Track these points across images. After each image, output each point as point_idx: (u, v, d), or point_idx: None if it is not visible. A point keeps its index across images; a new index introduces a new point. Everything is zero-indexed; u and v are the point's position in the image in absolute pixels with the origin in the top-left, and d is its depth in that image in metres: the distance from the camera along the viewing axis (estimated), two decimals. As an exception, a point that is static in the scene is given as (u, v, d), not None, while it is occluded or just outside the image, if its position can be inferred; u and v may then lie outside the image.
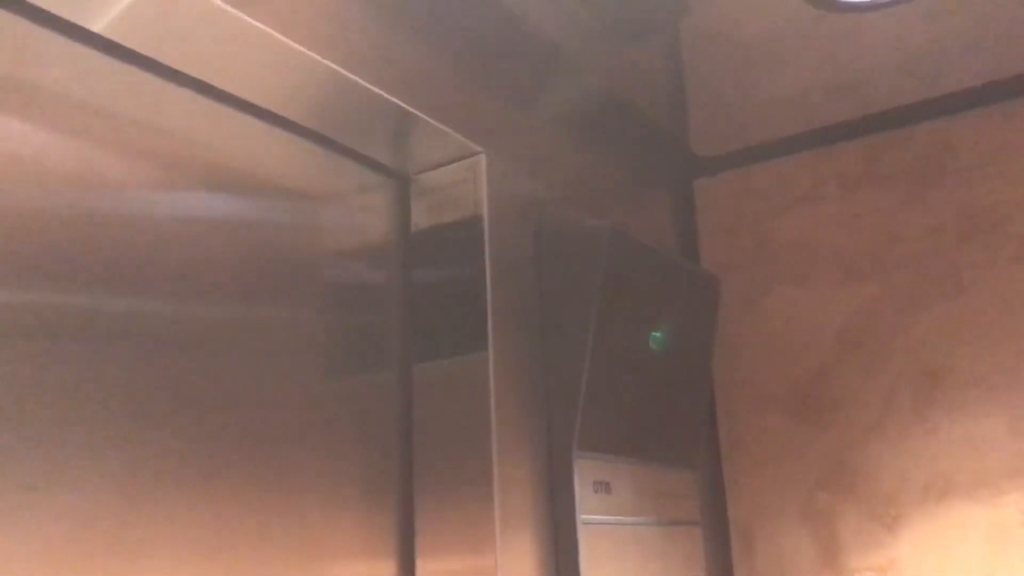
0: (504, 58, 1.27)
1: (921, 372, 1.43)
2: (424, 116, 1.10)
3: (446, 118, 1.13)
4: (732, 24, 1.43)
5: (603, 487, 1.20)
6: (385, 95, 1.05)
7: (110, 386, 0.84)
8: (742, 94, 1.60)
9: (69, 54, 0.86)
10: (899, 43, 1.43)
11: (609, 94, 1.48)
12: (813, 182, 1.58)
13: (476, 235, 1.15)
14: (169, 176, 0.94)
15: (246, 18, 0.89)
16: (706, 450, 1.55)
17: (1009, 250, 1.40)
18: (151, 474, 0.86)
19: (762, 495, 1.52)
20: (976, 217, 1.43)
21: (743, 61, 1.54)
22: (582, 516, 1.14)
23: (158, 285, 0.91)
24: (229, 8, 0.87)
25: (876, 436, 1.44)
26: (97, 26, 0.86)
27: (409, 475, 1.14)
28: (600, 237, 1.21)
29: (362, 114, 1.10)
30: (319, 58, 0.97)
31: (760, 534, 1.51)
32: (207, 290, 0.96)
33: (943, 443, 1.40)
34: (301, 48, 0.95)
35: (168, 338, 0.90)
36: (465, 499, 1.09)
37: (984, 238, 1.42)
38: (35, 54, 0.84)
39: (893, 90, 1.49)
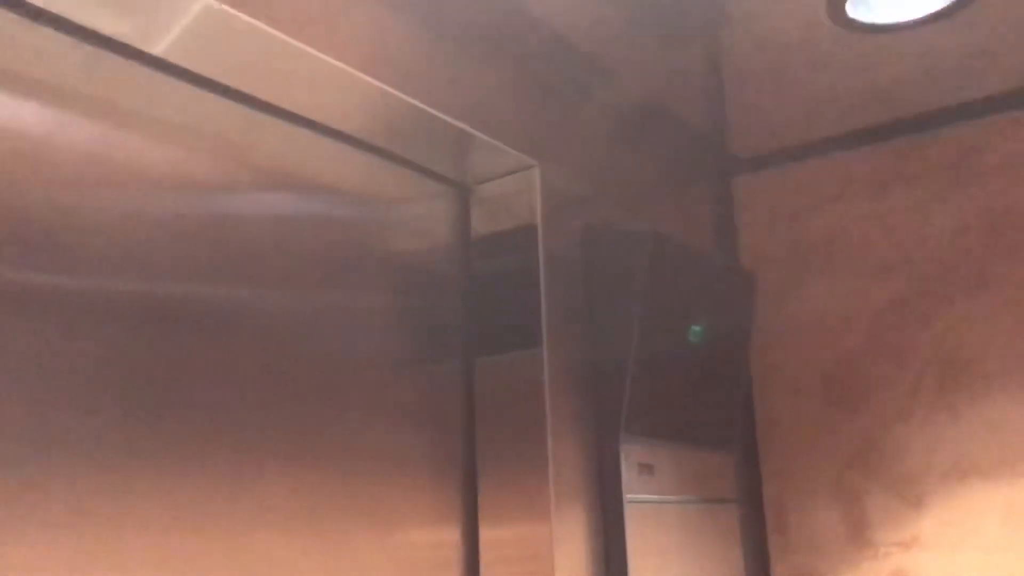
0: (553, 75, 1.38)
1: (945, 361, 1.53)
2: (482, 135, 1.21)
3: (502, 135, 1.25)
4: (769, 32, 1.52)
5: (647, 469, 1.32)
6: (447, 118, 1.17)
7: (218, 370, 0.98)
8: (778, 98, 1.69)
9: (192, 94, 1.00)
10: (927, 52, 1.51)
11: (652, 100, 1.59)
12: (845, 182, 1.67)
13: (531, 241, 1.27)
14: (266, 189, 1.07)
15: (335, 62, 1.02)
16: (743, 433, 1.67)
17: (1030, 248, 1.49)
18: (252, 453, 1.00)
19: (795, 475, 1.63)
20: (999, 217, 1.52)
21: (780, 67, 1.63)
22: (628, 496, 1.27)
23: (261, 280, 1.05)
24: (313, 51, 0.99)
25: (902, 421, 1.55)
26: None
27: (472, 457, 1.27)
28: (643, 241, 1.32)
29: (427, 134, 1.22)
30: (388, 88, 1.09)
31: (793, 511, 1.62)
32: (297, 286, 1.10)
33: (965, 428, 1.49)
34: (372, 80, 1.07)
35: (266, 328, 1.04)
36: (523, 478, 1.22)
37: (1006, 236, 1.51)
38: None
39: (920, 96, 1.58)
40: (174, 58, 0.97)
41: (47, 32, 0.88)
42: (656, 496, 1.33)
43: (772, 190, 1.75)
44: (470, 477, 1.26)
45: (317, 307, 1.12)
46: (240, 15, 0.91)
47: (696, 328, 1.43)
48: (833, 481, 1.60)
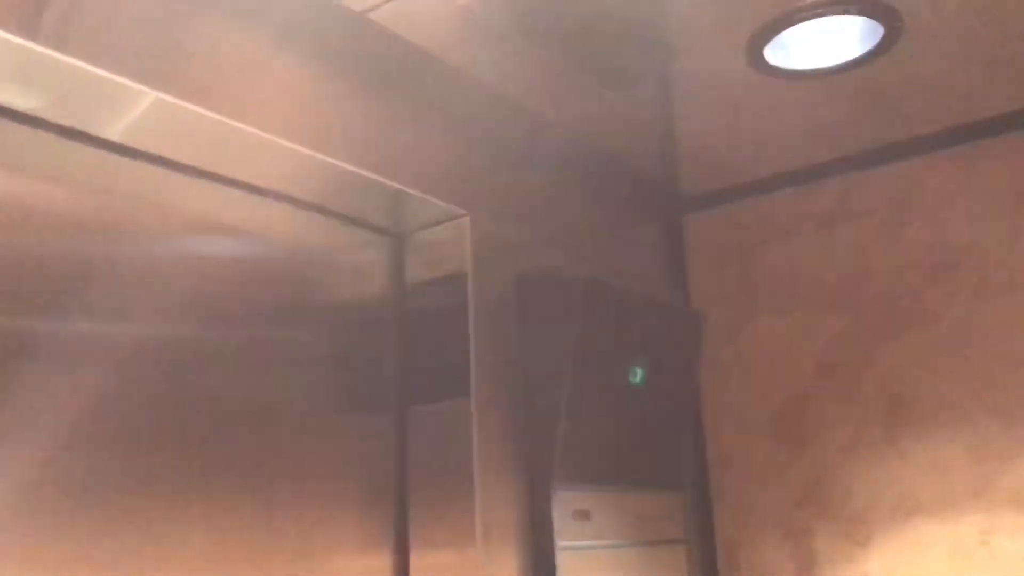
0: (488, 123, 1.40)
1: (891, 399, 1.53)
2: (411, 191, 1.23)
3: (431, 186, 1.27)
4: (718, 69, 1.53)
5: (582, 515, 1.32)
6: (375, 176, 1.18)
7: (139, 405, 0.99)
8: (727, 137, 1.70)
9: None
10: (869, 89, 1.53)
11: (595, 144, 1.60)
12: (793, 219, 1.68)
13: (461, 289, 1.28)
14: (207, 243, 1.10)
15: (269, 136, 1.05)
16: (695, 470, 1.67)
17: (971, 285, 1.49)
18: (173, 490, 1.01)
19: (746, 513, 1.63)
20: (942, 253, 1.52)
21: (729, 104, 1.64)
22: (560, 543, 1.27)
23: (199, 326, 1.08)
24: (244, 127, 1.02)
25: (849, 458, 1.55)
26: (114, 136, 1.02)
27: (404, 503, 1.27)
28: (575, 288, 1.33)
29: (359, 192, 1.24)
30: (317, 154, 1.11)
31: (744, 550, 1.62)
32: (234, 331, 1.12)
33: (910, 466, 1.49)
34: (302, 148, 1.10)
35: (201, 370, 1.06)
36: (453, 527, 1.22)
37: (949, 273, 1.51)
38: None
39: (865, 132, 1.59)
40: (128, 142, 1.03)
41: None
42: (592, 542, 1.33)
43: (721, 228, 1.76)
44: (401, 510, 1.27)
45: (254, 351, 1.15)
46: (187, 105, 0.97)
47: (636, 371, 1.44)
48: (783, 519, 1.60)
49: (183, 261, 1.09)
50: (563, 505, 1.29)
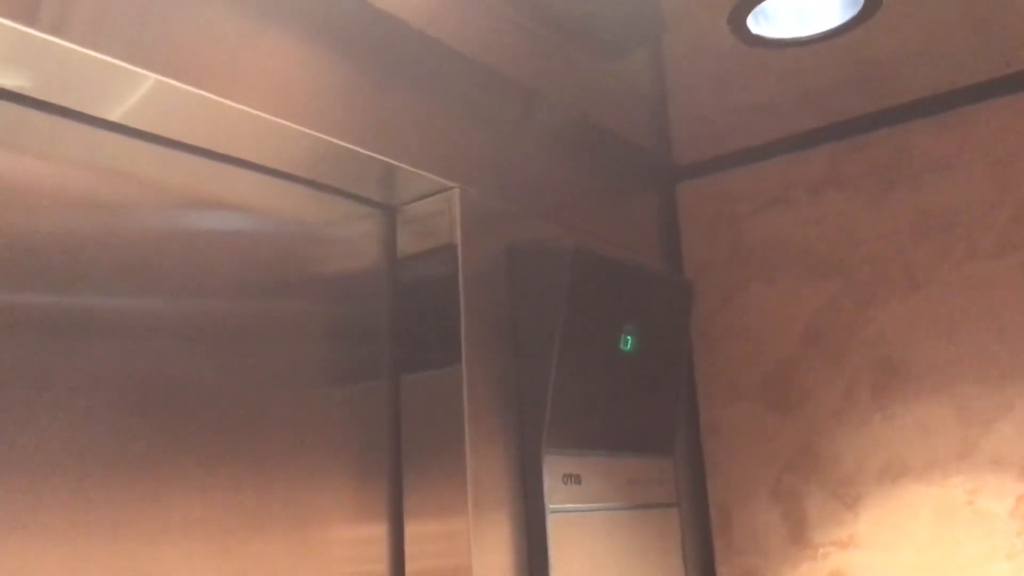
0: (479, 96, 1.42)
1: (879, 363, 1.55)
2: (401, 164, 1.25)
3: (421, 160, 1.29)
4: (706, 39, 1.54)
5: (573, 479, 1.35)
6: (363, 150, 1.20)
7: (128, 380, 1.02)
8: (718, 105, 1.72)
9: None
10: (858, 56, 1.54)
11: (587, 114, 1.62)
12: (783, 186, 1.70)
13: (451, 260, 1.31)
14: (198, 217, 1.12)
15: (238, 105, 1.06)
16: (687, 436, 1.70)
17: (960, 250, 1.51)
18: (166, 459, 1.05)
19: (738, 477, 1.66)
20: (928, 218, 1.54)
21: (720, 73, 1.66)
22: (551, 506, 1.30)
23: (190, 298, 1.11)
24: (232, 103, 1.05)
25: (838, 422, 1.57)
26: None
27: (399, 460, 1.31)
28: (564, 256, 1.35)
29: (350, 165, 1.25)
30: (305, 128, 1.13)
31: (736, 513, 1.65)
32: (225, 303, 1.15)
33: (898, 429, 1.52)
34: (295, 125, 1.12)
35: (194, 342, 1.09)
36: (444, 474, 1.26)
37: (934, 238, 1.53)
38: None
39: (853, 99, 1.60)
40: (129, 122, 1.06)
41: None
42: (583, 505, 1.36)
43: (714, 196, 1.78)
44: (396, 480, 1.30)
45: (247, 324, 1.17)
46: (183, 86, 1.00)
47: (626, 338, 1.46)
48: (773, 483, 1.62)
49: (176, 236, 1.12)
50: (553, 469, 1.32)
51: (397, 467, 1.31)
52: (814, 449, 1.59)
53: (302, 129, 1.13)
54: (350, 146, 1.18)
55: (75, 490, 0.96)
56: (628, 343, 1.47)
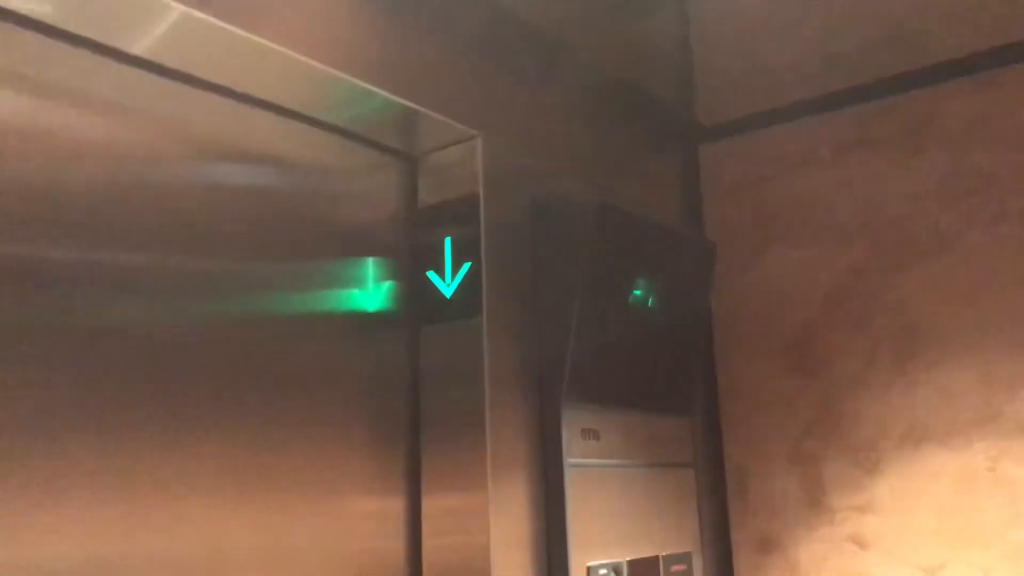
0: (505, 45, 1.39)
1: (902, 327, 1.53)
2: (424, 109, 1.23)
3: (445, 107, 1.27)
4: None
5: (591, 434, 1.34)
6: (393, 97, 1.19)
7: (145, 338, 1.01)
8: (745, 65, 1.70)
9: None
10: (888, 16, 1.51)
11: (613, 71, 1.59)
12: (809, 148, 1.67)
13: (473, 211, 1.29)
14: (218, 164, 1.11)
15: (266, 42, 1.04)
16: (705, 398, 1.69)
17: (987, 213, 1.49)
18: (189, 419, 1.04)
19: (756, 440, 1.65)
20: (957, 181, 1.52)
21: (747, 33, 1.64)
22: (569, 460, 1.29)
23: (208, 249, 1.09)
24: (259, 39, 1.03)
25: (859, 387, 1.56)
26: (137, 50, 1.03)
27: (417, 424, 1.30)
28: (588, 211, 1.33)
29: (374, 109, 1.24)
30: (330, 68, 1.12)
31: (753, 476, 1.64)
32: (244, 254, 1.14)
33: (921, 394, 1.50)
34: (320, 65, 1.10)
35: (212, 295, 1.08)
36: (464, 444, 1.24)
37: (963, 201, 1.50)
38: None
39: (882, 60, 1.57)
40: (152, 56, 1.04)
41: (-33, 13, 0.92)
42: (601, 460, 1.35)
43: (738, 158, 1.76)
44: (414, 447, 1.29)
45: (261, 274, 1.16)
46: (206, 18, 0.98)
47: (647, 297, 1.45)
48: (792, 447, 1.61)
49: (193, 182, 1.10)
50: (572, 423, 1.31)
51: (416, 421, 1.30)
52: (834, 413, 1.57)
53: (327, 69, 1.11)
54: (374, 88, 1.17)
55: (92, 444, 0.95)
56: (649, 301, 1.45)
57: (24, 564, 0.89)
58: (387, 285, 1.32)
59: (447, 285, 1.30)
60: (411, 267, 1.34)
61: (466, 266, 1.27)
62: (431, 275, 1.31)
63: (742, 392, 1.68)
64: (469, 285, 1.28)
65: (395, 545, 1.26)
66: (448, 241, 1.31)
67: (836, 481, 1.56)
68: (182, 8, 0.96)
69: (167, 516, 1.00)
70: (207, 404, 1.06)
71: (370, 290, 1.30)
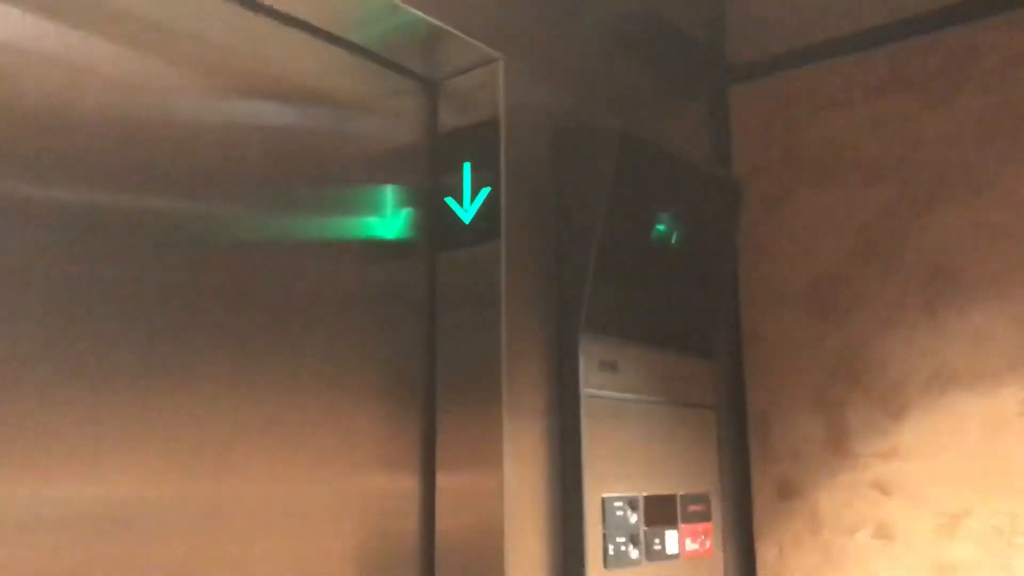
0: (528, -30, 1.37)
1: (933, 270, 1.49)
2: (445, 26, 1.21)
3: (468, 26, 1.24)
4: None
5: (609, 366, 1.32)
6: (414, 11, 1.16)
7: (144, 283, 1.00)
8: (777, 2, 1.65)
9: (122, -25, 1.01)
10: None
11: (643, 3, 1.56)
12: (841, 88, 1.63)
13: (493, 136, 1.27)
14: (215, 83, 1.09)
15: None
16: (728, 341, 1.66)
17: (1025, 153, 1.44)
18: (179, 373, 1.02)
19: (779, 384, 1.62)
20: (996, 121, 1.47)
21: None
22: (586, 390, 1.27)
23: (218, 183, 1.06)
24: None
25: (887, 331, 1.52)
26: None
27: (433, 358, 1.28)
28: (611, 139, 1.30)
29: (393, 26, 1.21)
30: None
31: (775, 420, 1.62)
32: (246, 189, 1.11)
33: (950, 337, 1.46)
34: None
35: (203, 237, 1.06)
36: (480, 371, 1.23)
37: (1000, 142, 1.46)
38: (93, -25, 0.99)
39: (919, -4, 1.53)
40: None
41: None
42: (618, 393, 1.33)
43: (768, 98, 1.72)
44: (430, 391, 1.28)
45: (267, 211, 1.14)
46: None
47: (671, 232, 1.42)
48: (815, 391, 1.58)
49: (206, 104, 1.08)
50: (590, 352, 1.29)
51: (431, 359, 1.28)
52: (860, 358, 1.54)
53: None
54: (395, 1, 1.14)
55: (99, 395, 0.93)
56: (673, 238, 1.43)
57: (23, 508, 0.87)
58: (405, 212, 1.30)
59: (465, 211, 1.28)
60: (429, 193, 1.32)
61: (485, 191, 1.25)
62: (449, 201, 1.29)
63: (766, 336, 1.65)
64: (488, 211, 1.26)
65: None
66: (467, 167, 1.29)
67: (860, 426, 1.53)
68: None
69: (162, 472, 0.97)
70: (218, 341, 1.04)
71: (388, 217, 1.28)
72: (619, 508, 1.29)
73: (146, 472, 0.96)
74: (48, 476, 0.88)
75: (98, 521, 0.92)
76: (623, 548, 1.29)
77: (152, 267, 0.99)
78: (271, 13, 1.14)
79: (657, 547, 1.35)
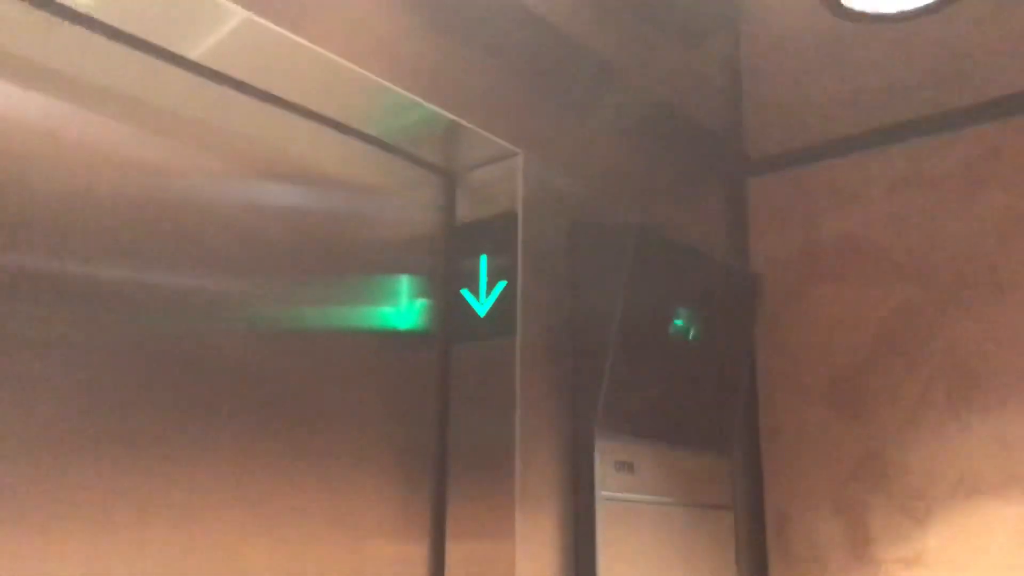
0: (552, 64, 1.36)
1: (957, 371, 1.46)
2: (466, 123, 1.20)
3: (487, 123, 1.24)
4: (788, 28, 1.48)
5: (626, 467, 1.29)
6: (434, 107, 1.16)
7: (168, 354, 0.98)
8: (796, 96, 1.66)
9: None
10: (948, 48, 1.46)
11: (661, 98, 1.56)
12: (860, 184, 1.62)
13: (510, 229, 1.25)
14: (255, 176, 1.08)
15: (319, 49, 1.03)
16: (746, 438, 1.62)
17: (1050, 254, 1.42)
18: (197, 447, 1.00)
19: (798, 484, 1.57)
20: (1017, 222, 1.45)
21: (798, 64, 1.59)
22: (602, 492, 1.23)
23: (241, 267, 1.06)
24: (305, 43, 1.01)
25: (910, 432, 1.48)
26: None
27: (444, 445, 1.25)
28: (628, 235, 1.29)
29: (415, 122, 1.22)
30: (382, 80, 1.10)
31: (795, 521, 1.57)
32: (267, 273, 1.10)
33: (975, 441, 1.42)
34: (365, 72, 1.08)
35: (223, 318, 1.04)
36: (493, 470, 1.19)
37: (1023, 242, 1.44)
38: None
39: (941, 94, 1.52)
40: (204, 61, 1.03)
41: (5, 1, 0.91)
42: (635, 495, 1.29)
43: (786, 192, 1.70)
44: (442, 471, 1.25)
45: (292, 291, 1.13)
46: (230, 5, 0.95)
47: (688, 327, 1.39)
48: (837, 492, 1.53)
49: (229, 190, 1.08)
50: (606, 453, 1.25)
51: (443, 445, 1.25)
52: (883, 458, 1.50)
53: (371, 76, 1.09)
54: (418, 99, 1.14)
55: (107, 463, 0.92)
56: (691, 333, 1.40)
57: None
58: (421, 303, 1.28)
59: (481, 304, 1.26)
60: (445, 285, 1.30)
61: (501, 284, 1.23)
62: (465, 293, 1.27)
63: (785, 433, 1.61)
64: (503, 305, 1.23)
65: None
66: (484, 259, 1.27)
67: (883, 530, 1.48)
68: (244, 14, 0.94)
69: (177, 543, 0.96)
70: (232, 423, 1.03)
71: (403, 307, 1.26)
72: (634, 616, 1.24)
73: (163, 543, 0.94)
74: (52, 554, 0.86)
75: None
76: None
77: (172, 346, 0.98)
78: (295, 108, 1.14)
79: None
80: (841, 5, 1.25)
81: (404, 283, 1.27)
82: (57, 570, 0.87)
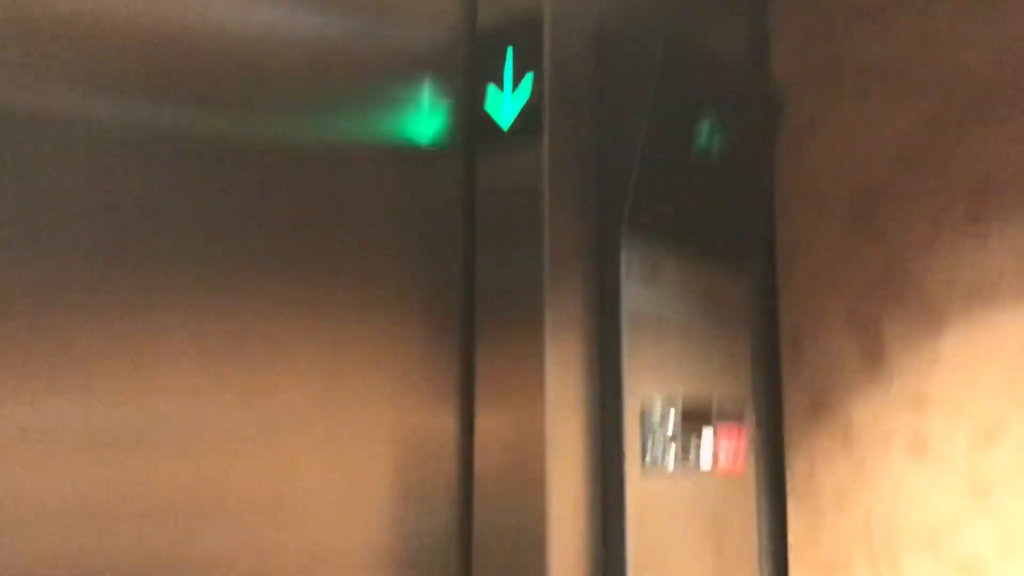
0: None
1: (977, 181, 1.46)
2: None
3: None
4: None
5: (649, 275, 1.31)
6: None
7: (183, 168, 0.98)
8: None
9: None
10: None
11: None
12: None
13: (536, 33, 1.23)
14: None
15: None
16: (764, 255, 1.63)
17: (1078, 63, 1.40)
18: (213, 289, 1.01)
19: (814, 299, 1.60)
20: (1048, 30, 1.43)
21: None
22: (627, 302, 1.26)
23: (239, 86, 1.05)
24: None
25: (927, 242, 1.49)
26: None
27: (472, 250, 1.27)
28: (656, 43, 1.27)
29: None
30: None
31: (808, 336, 1.60)
32: (288, 74, 1.10)
33: (991, 251, 1.44)
34: None
35: (234, 139, 1.04)
36: (520, 277, 1.22)
37: (1053, 50, 1.42)
38: None
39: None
40: None
41: None
42: (657, 298, 1.32)
43: (809, 10, 1.67)
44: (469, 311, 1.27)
45: (309, 98, 1.12)
46: None
47: (711, 143, 1.39)
48: (852, 305, 1.56)
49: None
50: (631, 255, 1.27)
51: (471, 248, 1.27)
52: (899, 269, 1.52)
53: None
54: None
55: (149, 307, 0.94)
56: (714, 145, 1.40)
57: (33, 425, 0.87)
58: (442, 113, 1.28)
59: (508, 107, 1.25)
60: (467, 85, 1.29)
61: (529, 77, 1.22)
62: (491, 96, 1.26)
63: (802, 249, 1.62)
64: (530, 106, 1.23)
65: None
66: (510, 52, 1.25)
67: (896, 341, 1.51)
68: None
69: (184, 379, 0.98)
70: (254, 246, 1.04)
71: (424, 118, 1.26)
72: (657, 409, 1.28)
73: (188, 391, 0.97)
74: (53, 389, 0.88)
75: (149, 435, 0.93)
76: (660, 454, 1.28)
77: (181, 163, 0.99)
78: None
79: (691, 458, 1.34)
80: None
81: (425, 91, 1.26)
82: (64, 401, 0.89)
